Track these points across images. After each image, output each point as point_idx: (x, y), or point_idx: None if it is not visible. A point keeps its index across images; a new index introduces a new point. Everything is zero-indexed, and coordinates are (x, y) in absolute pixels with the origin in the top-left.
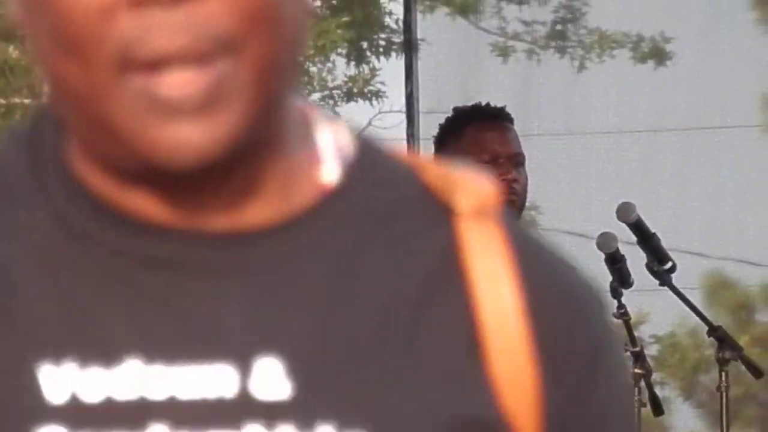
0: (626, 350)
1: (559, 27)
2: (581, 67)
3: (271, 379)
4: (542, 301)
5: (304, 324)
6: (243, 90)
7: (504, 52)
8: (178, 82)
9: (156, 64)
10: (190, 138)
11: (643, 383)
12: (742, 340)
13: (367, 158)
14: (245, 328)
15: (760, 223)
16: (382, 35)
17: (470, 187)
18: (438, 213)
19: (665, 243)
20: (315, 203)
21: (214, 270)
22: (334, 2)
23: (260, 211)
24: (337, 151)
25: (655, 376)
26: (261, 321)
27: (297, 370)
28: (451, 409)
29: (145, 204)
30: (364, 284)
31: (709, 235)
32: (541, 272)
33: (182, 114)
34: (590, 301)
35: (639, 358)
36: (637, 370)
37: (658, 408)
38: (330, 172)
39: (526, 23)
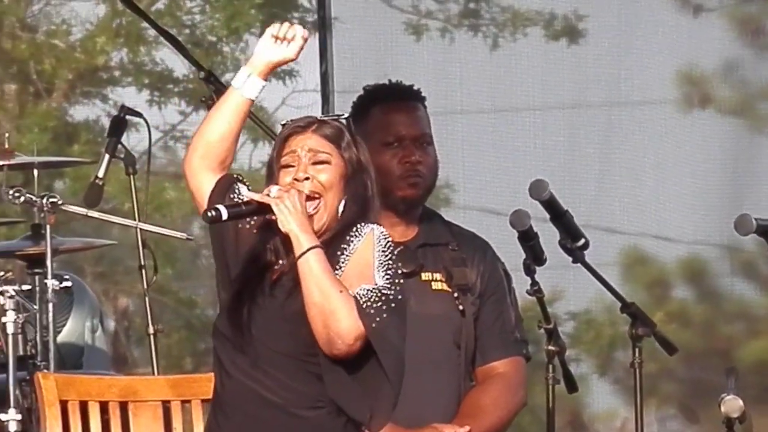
0: (540, 327)
1: (472, 5)
2: (494, 46)
3: None
4: None
5: None
6: None
7: (417, 31)
8: None
9: None
10: None
11: (557, 360)
12: (658, 317)
13: None
14: None
15: (677, 198)
16: (296, 14)
17: None
18: None
19: (586, 219)
20: None
21: None
22: None
23: None
24: None
25: (571, 353)
26: None
27: None
28: None
29: None
30: None
31: (628, 212)
32: None
33: None
34: None
35: (552, 335)
36: (551, 348)
37: (572, 385)
38: None
39: (439, 1)
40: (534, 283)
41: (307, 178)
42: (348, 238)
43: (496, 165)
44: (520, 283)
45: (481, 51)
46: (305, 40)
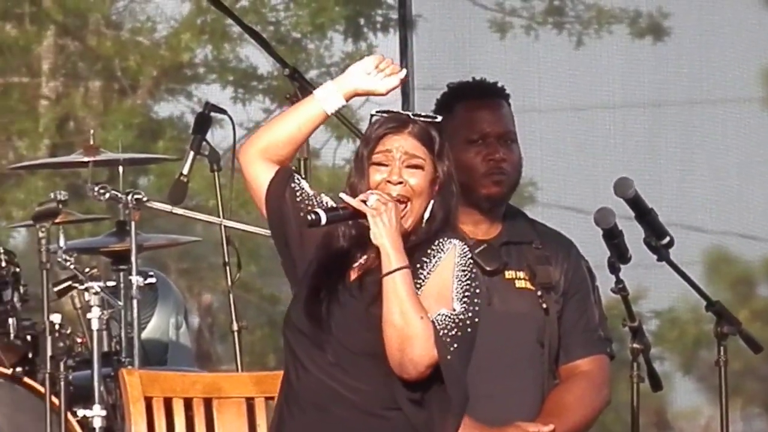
0: (624, 325)
1: (556, 2)
2: (579, 43)
3: None
4: None
5: None
6: None
7: (501, 28)
8: None
9: None
10: None
11: (641, 358)
12: (742, 315)
13: None
14: None
15: (761, 197)
16: (380, 11)
17: None
18: None
19: (668, 218)
20: None
21: None
22: None
23: None
24: None
25: (655, 352)
26: None
27: None
28: None
29: None
30: None
31: (711, 210)
32: None
33: None
34: None
35: (637, 333)
36: (635, 346)
37: (656, 383)
38: None
39: None
40: (618, 281)
41: (400, 182)
42: (429, 251)
43: (580, 163)
44: (604, 282)
45: (564, 49)
46: (401, 83)
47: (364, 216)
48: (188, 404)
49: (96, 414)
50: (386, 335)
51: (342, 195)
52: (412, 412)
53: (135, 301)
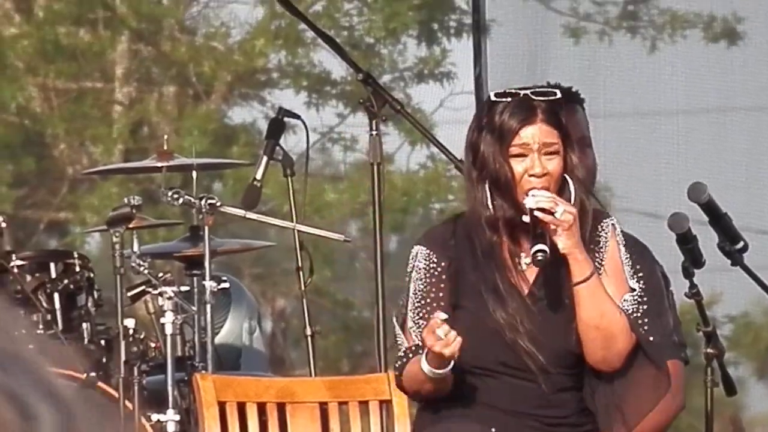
0: (698, 330)
1: (631, 7)
2: (653, 48)
3: None
4: None
5: None
6: None
7: (575, 33)
8: None
9: None
10: None
11: (715, 363)
12: None
13: None
14: None
15: None
16: (453, 16)
17: None
18: None
19: (737, 223)
20: None
21: None
22: None
23: None
24: None
25: (729, 356)
26: None
27: None
28: None
29: None
30: None
31: None
32: None
33: None
34: None
35: (711, 338)
36: (709, 350)
37: (730, 388)
38: None
39: (597, 3)
40: (692, 285)
41: (544, 174)
42: (597, 237)
43: (652, 168)
44: (678, 286)
45: (638, 53)
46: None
47: (546, 225)
48: (262, 409)
49: (170, 419)
50: (588, 338)
51: (536, 212)
52: (603, 403)
53: (208, 306)
